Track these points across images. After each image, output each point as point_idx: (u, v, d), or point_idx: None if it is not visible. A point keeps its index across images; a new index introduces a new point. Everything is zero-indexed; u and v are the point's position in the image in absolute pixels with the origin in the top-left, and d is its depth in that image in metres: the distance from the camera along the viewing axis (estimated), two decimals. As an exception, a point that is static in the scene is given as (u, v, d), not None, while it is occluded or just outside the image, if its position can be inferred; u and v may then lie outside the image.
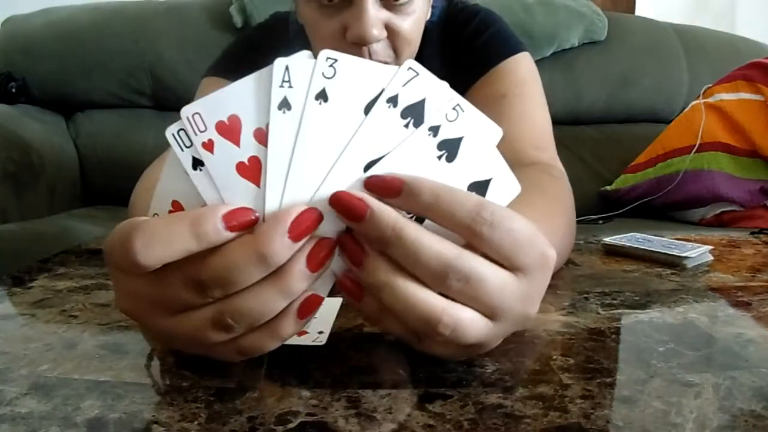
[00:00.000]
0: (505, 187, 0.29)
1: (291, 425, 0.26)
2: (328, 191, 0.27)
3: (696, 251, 0.55)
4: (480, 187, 0.29)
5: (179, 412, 0.27)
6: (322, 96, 0.28)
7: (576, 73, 1.61)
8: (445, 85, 0.29)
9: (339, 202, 0.27)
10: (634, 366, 0.32)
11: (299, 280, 0.27)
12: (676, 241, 0.60)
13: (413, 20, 0.61)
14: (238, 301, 0.27)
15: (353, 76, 0.28)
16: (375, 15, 0.56)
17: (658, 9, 2.13)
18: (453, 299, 0.27)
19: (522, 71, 0.72)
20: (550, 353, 0.34)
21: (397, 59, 0.61)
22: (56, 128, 1.48)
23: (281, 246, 0.26)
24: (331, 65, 0.28)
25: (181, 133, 0.28)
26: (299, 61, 0.28)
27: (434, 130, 0.28)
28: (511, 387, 0.29)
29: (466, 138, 0.28)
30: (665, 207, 1.41)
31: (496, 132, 0.29)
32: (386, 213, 0.26)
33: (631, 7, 2.27)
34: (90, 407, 0.27)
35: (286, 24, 0.75)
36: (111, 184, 1.46)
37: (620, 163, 1.52)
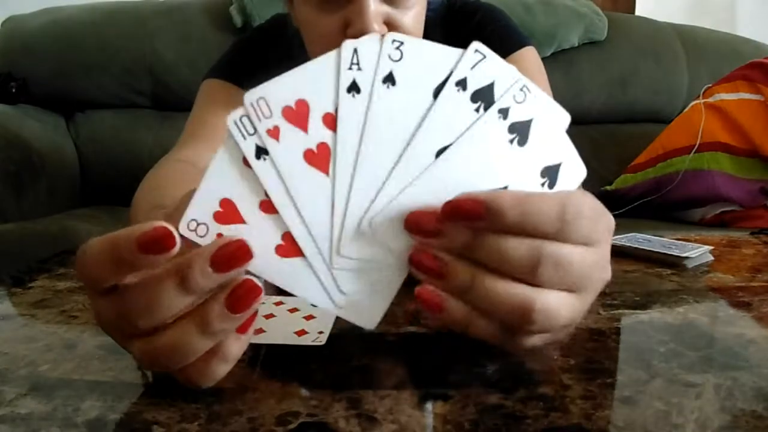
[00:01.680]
0: (573, 171, 0.28)
1: (291, 426, 0.26)
2: (398, 182, 0.27)
3: (696, 251, 0.55)
4: (552, 172, 0.28)
5: (179, 413, 0.27)
6: (390, 79, 0.27)
7: (576, 73, 1.61)
8: (512, 67, 0.28)
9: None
10: (635, 366, 0.32)
11: (219, 320, 0.25)
12: (676, 241, 0.60)
13: (413, 15, 0.60)
14: (160, 339, 0.26)
15: (420, 58, 0.27)
16: (375, 10, 0.56)
17: (658, 9, 2.13)
18: (539, 286, 0.26)
19: (529, 65, 0.72)
20: (551, 354, 0.34)
21: None
22: (56, 128, 1.48)
23: (201, 274, 0.24)
24: (397, 47, 0.27)
25: (244, 119, 0.26)
26: (367, 42, 0.27)
27: (504, 112, 0.27)
28: (511, 387, 0.29)
29: (536, 120, 0.28)
30: (665, 207, 1.41)
31: (563, 116, 0.28)
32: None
33: (631, 7, 2.27)
34: (90, 408, 0.27)
35: (286, 26, 0.75)
36: (111, 184, 1.46)
37: (620, 163, 1.52)
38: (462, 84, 0.27)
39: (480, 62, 0.27)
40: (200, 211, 0.27)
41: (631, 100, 1.65)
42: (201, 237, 0.26)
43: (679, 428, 0.26)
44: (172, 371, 0.27)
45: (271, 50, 0.74)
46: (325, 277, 0.28)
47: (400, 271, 0.28)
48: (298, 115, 0.26)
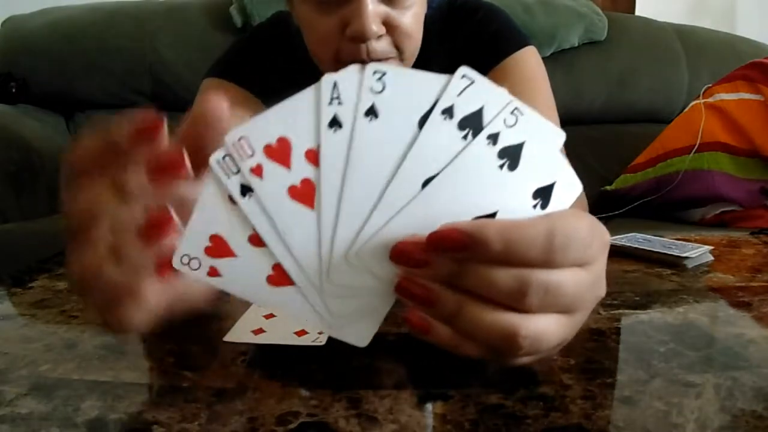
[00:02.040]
0: (567, 188, 0.28)
1: (291, 426, 0.26)
2: (383, 214, 0.26)
3: (696, 251, 0.55)
4: (545, 193, 0.27)
5: (179, 413, 0.27)
6: (372, 112, 0.26)
7: (576, 73, 1.61)
8: (502, 90, 0.27)
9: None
10: (635, 366, 0.32)
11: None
12: (676, 241, 0.60)
13: (412, 14, 0.60)
14: (82, 252, 0.26)
15: (403, 88, 0.26)
16: (374, 10, 0.56)
17: (658, 9, 2.13)
18: (528, 312, 0.26)
19: (530, 66, 0.72)
20: (551, 354, 0.34)
21: (401, 55, 0.61)
22: (56, 128, 1.48)
23: (134, 173, 0.26)
24: (379, 79, 0.26)
25: (227, 159, 0.26)
26: (347, 75, 0.26)
27: (493, 138, 0.27)
28: (511, 388, 0.29)
29: (528, 143, 0.27)
30: (665, 207, 1.41)
31: (558, 135, 0.27)
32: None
33: (631, 7, 2.27)
34: (90, 408, 0.27)
35: (287, 24, 0.75)
36: (111, 184, 1.46)
37: (620, 163, 1.52)
38: (448, 112, 0.26)
39: (468, 88, 0.26)
40: (191, 246, 0.27)
41: (631, 100, 1.65)
42: (194, 270, 0.27)
43: (679, 428, 0.26)
44: (95, 309, 0.27)
45: (272, 49, 0.74)
46: (315, 302, 0.28)
47: (389, 295, 0.28)
48: (279, 152, 0.26)
